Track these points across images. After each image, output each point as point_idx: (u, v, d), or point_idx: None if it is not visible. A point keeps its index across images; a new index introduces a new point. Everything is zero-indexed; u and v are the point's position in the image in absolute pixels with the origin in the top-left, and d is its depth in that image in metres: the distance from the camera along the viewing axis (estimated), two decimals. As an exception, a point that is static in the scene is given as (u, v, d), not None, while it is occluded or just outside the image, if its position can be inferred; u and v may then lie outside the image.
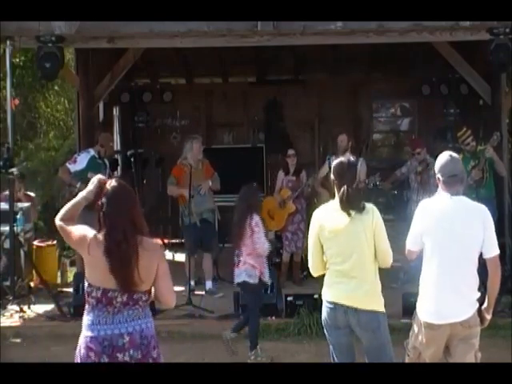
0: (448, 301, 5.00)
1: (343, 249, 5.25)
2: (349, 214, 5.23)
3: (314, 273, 5.46)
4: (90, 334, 4.36)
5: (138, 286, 4.33)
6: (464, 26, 8.78)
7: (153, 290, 4.45)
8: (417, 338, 5.09)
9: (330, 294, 5.32)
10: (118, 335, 4.34)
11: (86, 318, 4.41)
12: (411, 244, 5.20)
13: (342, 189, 5.27)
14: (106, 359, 4.32)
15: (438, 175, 5.20)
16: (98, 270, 4.34)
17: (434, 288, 5.05)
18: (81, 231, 4.39)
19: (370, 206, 5.32)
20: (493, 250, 5.08)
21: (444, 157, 5.26)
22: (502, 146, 10.43)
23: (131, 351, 4.34)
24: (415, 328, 5.13)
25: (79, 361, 4.39)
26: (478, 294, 5.10)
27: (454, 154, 5.30)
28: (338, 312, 5.25)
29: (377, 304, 5.27)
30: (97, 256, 4.32)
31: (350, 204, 5.24)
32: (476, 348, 5.09)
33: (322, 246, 5.35)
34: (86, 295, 4.41)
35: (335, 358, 5.40)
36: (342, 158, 5.47)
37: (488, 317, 5.12)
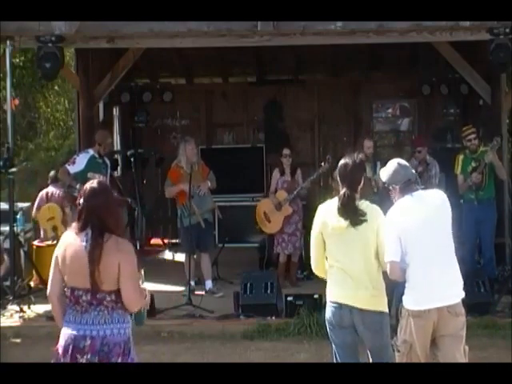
0: (434, 287, 5.08)
1: (346, 248, 5.23)
2: (344, 217, 5.21)
3: (315, 269, 5.42)
4: (63, 330, 4.45)
5: (98, 284, 4.35)
6: (464, 26, 8.78)
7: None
8: (406, 331, 5.13)
9: (334, 294, 5.29)
10: (81, 337, 4.38)
11: (65, 316, 4.49)
12: (392, 254, 5.11)
13: (342, 191, 5.26)
14: (67, 358, 4.36)
15: (392, 184, 5.24)
16: (69, 269, 4.42)
17: (419, 280, 5.11)
18: (54, 259, 4.50)
19: (373, 206, 5.31)
20: None
21: (393, 165, 5.28)
22: (502, 146, 10.42)
23: (89, 355, 4.35)
24: (403, 322, 5.16)
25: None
26: (462, 283, 5.18)
27: (401, 160, 5.35)
28: (343, 311, 5.23)
29: (381, 304, 5.27)
30: (67, 254, 4.42)
31: (346, 211, 5.22)
32: (463, 341, 5.12)
33: (324, 242, 5.32)
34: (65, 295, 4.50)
35: (338, 358, 5.37)
36: (347, 159, 5.38)
37: None
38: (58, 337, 4.52)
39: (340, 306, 5.24)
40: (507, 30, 8.61)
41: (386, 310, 5.30)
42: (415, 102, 14.25)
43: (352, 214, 5.21)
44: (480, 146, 9.85)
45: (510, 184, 10.97)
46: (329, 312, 5.32)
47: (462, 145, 10.19)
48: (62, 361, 4.39)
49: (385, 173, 5.30)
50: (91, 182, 4.60)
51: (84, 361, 4.34)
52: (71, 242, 4.44)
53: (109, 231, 4.40)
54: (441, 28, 8.93)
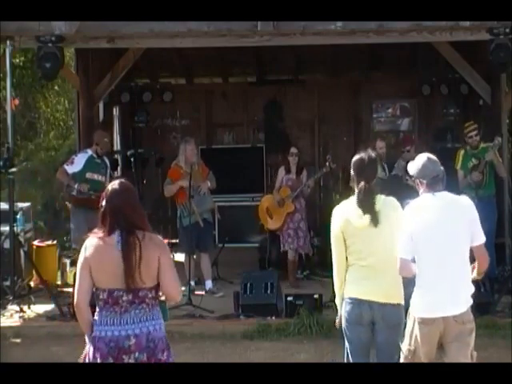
0: (442, 295, 5.03)
1: (368, 244, 5.23)
2: (364, 212, 5.20)
3: (338, 271, 5.34)
4: (97, 334, 4.39)
5: (138, 283, 4.34)
6: (464, 26, 8.78)
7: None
8: (411, 335, 5.11)
9: (355, 291, 5.27)
10: (124, 337, 4.36)
11: (96, 319, 4.43)
12: (403, 251, 5.10)
13: (360, 185, 5.25)
14: (111, 361, 4.33)
15: (420, 179, 5.19)
16: (103, 271, 4.38)
17: (428, 284, 5.07)
18: (83, 265, 4.44)
19: (390, 199, 5.31)
20: (479, 239, 5.13)
21: (422, 159, 5.21)
22: (502, 145, 10.43)
23: (136, 354, 4.35)
24: (409, 326, 5.14)
25: (87, 361, 4.41)
26: (472, 290, 5.13)
27: (431, 155, 5.28)
28: (363, 308, 5.22)
29: (399, 297, 5.28)
30: (102, 257, 4.38)
31: (365, 205, 5.21)
32: (471, 347, 5.09)
33: (344, 241, 5.30)
34: (95, 298, 4.45)
35: (350, 357, 5.35)
36: (362, 154, 5.39)
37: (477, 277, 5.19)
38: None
39: (360, 302, 5.23)
40: (507, 30, 8.61)
41: (403, 303, 5.30)
42: (415, 101, 14.24)
43: (371, 209, 5.21)
44: (481, 142, 9.90)
45: (510, 183, 10.97)
46: (347, 309, 5.30)
47: (464, 143, 10.22)
48: None
49: (413, 166, 5.22)
50: (112, 183, 4.58)
51: (132, 361, 4.32)
52: (102, 245, 4.39)
53: (138, 229, 4.40)
54: (441, 28, 8.94)
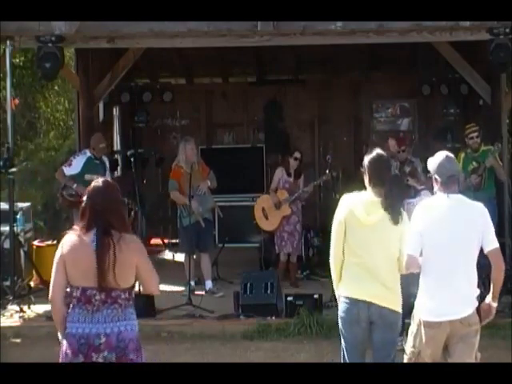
0: (448, 298, 5.01)
1: (369, 243, 5.20)
2: (393, 216, 5.16)
3: (334, 257, 5.33)
4: (68, 330, 4.41)
5: (111, 283, 4.36)
6: (464, 26, 8.78)
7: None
8: (416, 337, 5.09)
9: (351, 291, 5.25)
10: (95, 335, 4.37)
11: (68, 316, 4.44)
12: (411, 248, 5.08)
13: (387, 189, 5.20)
14: (81, 358, 4.35)
15: (435, 176, 5.16)
16: (77, 269, 4.40)
17: (433, 286, 5.06)
18: (59, 261, 4.45)
19: (402, 211, 5.29)
20: (493, 244, 5.12)
21: (440, 157, 5.21)
22: (502, 147, 10.42)
23: (106, 352, 4.36)
24: (414, 328, 5.12)
25: (60, 357, 4.44)
26: (478, 292, 5.12)
27: (450, 154, 5.28)
28: (360, 308, 5.20)
29: (398, 304, 5.26)
30: (77, 254, 4.40)
31: (392, 205, 5.18)
32: (476, 348, 5.08)
33: (345, 232, 5.26)
34: (69, 295, 4.46)
35: (346, 356, 5.34)
36: (378, 151, 5.34)
37: (494, 305, 5.14)
38: (58, 337, 4.51)
39: (357, 302, 5.21)
40: (507, 30, 8.61)
41: (401, 311, 5.29)
42: (415, 101, 14.25)
43: (395, 210, 5.19)
44: (481, 145, 9.89)
45: (510, 185, 10.97)
46: (344, 308, 5.28)
47: (464, 144, 10.22)
48: (73, 361, 4.35)
49: (432, 163, 5.21)
50: (96, 181, 4.59)
51: (100, 359, 4.33)
52: (78, 242, 4.41)
53: (114, 229, 4.40)
54: (441, 28, 8.94)
